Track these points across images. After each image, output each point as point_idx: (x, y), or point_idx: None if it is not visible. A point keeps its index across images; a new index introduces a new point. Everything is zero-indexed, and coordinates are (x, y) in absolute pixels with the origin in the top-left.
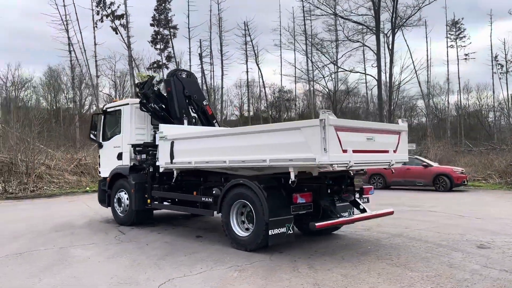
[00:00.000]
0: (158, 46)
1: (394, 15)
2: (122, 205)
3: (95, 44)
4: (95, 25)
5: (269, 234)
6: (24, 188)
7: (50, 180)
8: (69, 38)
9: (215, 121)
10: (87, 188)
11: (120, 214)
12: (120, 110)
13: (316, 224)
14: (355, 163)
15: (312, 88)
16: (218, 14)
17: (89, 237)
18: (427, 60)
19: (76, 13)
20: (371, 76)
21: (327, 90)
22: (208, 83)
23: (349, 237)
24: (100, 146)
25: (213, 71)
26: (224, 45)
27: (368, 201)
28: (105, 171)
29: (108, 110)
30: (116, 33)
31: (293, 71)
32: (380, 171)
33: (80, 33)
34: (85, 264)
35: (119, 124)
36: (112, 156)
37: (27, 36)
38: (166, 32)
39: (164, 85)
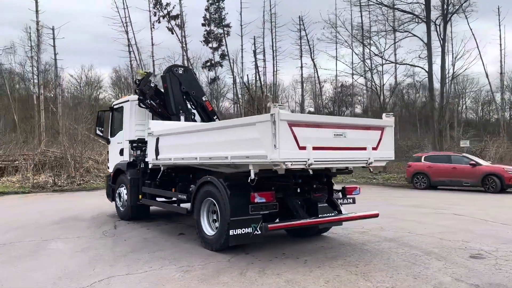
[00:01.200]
0: (210, 45)
1: (446, 1)
2: (121, 200)
3: (152, 45)
4: (152, 26)
5: (230, 234)
6: (72, 181)
7: (97, 174)
8: (128, 39)
9: (215, 116)
10: None
11: (121, 209)
12: (122, 106)
13: (269, 225)
14: (316, 161)
15: (369, 81)
16: (270, 10)
17: (80, 231)
18: (500, 50)
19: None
20: (421, 67)
21: (374, 84)
22: (265, 80)
23: (336, 239)
24: (108, 142)
25: (265, 67)
26: (277, 41)
27: (353, 201)
28: (111, 167)
29: (115, 106)
30: (172, 33)
31: (346, 65)
32: (424, 170)
33: (133, 32)
34: (51, 257)
35: (121, 121)
36: (116, 152)
37: (104, 39)
38: (219, 30)
39: (161, 81)
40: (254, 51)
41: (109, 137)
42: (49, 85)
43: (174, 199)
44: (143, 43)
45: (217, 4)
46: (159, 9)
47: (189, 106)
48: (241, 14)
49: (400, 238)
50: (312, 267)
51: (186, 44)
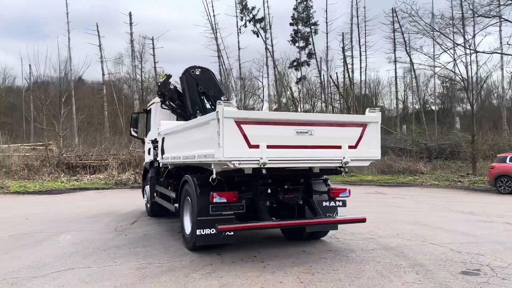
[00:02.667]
0: (297, 44)
1: None
2: (146, 197)
3: (239, 49)
4: (239, 31)
5: (196, 233)
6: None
7: None
8: (217, 45)
9: None
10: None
11: (147, 205)
12: (151, 108)
13: (219, 226)
14: (271, 160)
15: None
16: (357, 4)
17: (99, 225)
18: None
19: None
20: None
21: (461, 77)
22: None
23: (329, 244)
24: (143, 141)
25: (353, 63)
26: (366, 35)
27: (343, 204)
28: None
29: (147, 108)
30: (258, 36)
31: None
32: (509, 172)
33: (221, 38)
34: (46, 248)
35: (150, 122)
36: (147, 151)
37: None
38: (307, 29)
39: (180, 83)
40: (343, 48)
41: (144, 137)
42: (150, 92)
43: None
44: (231, 47)
45: (305, 2)
46: (246, 13)
47: (208, 106)
48: (326, 11)
49: (401, 247)
50: (265, 272)
51: (272, 45)
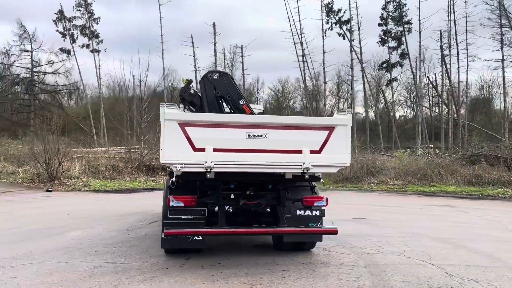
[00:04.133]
0: (387, 45)
1: None
2: None
3: (324, 52)
4: (324, 34)
5: (162, 237)
6: None
7: None
8: (302, 50)
9: None
10: None
11: None
12: None
13: (165, 230)
14: (218, 165)
15: None
16: None
17: (115, 224)
18: None
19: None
20: None
21: None
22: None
23: (307, 257)
24: None
25: (450, 63)
26: (468, 32)
27: (321, 214)
28: None
29: None
30: (344, 39)
31: None
32: None
33: (306, 43)
34: (48, 242)
35: None
36: None
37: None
38: (399, 28)
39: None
40: (441, 47)
41: None
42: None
43: None
44: (315, 52)
45: (397, 0)
46: (332, 16)
47: (227, 109)
48: (419, 8)
49: (389, 265)
50: (207, 280)
51: (361, 47)
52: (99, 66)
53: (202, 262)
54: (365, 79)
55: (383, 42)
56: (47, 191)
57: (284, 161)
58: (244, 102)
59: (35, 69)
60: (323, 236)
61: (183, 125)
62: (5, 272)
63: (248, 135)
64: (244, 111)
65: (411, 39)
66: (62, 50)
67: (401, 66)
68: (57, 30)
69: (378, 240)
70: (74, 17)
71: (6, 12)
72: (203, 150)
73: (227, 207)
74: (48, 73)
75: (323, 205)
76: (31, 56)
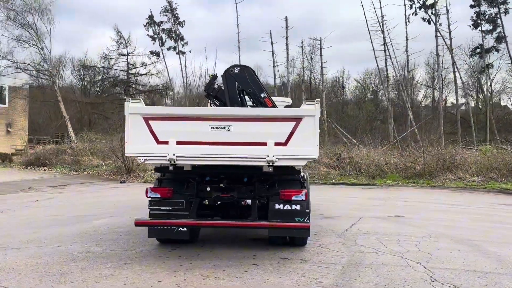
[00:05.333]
0: (480, 28)
1: None
2: None
3: (407, 39)
4: (407, 20)
5: (149, 226)
6: None
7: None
8: (384, 38)
9: None
10: (333, 180)
11: None
12: None
13: (136, 220)
14: (180, 157)
15: None
16: None
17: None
18: None
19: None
20: None
21: None
22: None
23: (287, 252)
24: None
25: None
26: None
27: (303, 208)
28: None
29: None
30: (429, 23)
31: None
32: None
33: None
34: (67, 228)
35: None
36: None
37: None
38: (494, 10)
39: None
40: None
41: None
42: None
43: None
44: (397, 39)
45: None
46: (415, 0)
47: (250, 103)
48: None
49: (367, 265)
50: (169, 270)
51: (450, 31)
52: (185, 66)
53: (183, 253)
54: (455, 66)
55: (475, 25)
56: (120, 182)
57: (248, 154)
58: (266, 95)
59: (130, 71)
60: (332, 232)
61: (147, 118)
62: (7, 252)
63: (211, 128)
64: (265, 104)
65: (507, 21)
66: (152, 52)
67: (497, 51)
68: (147, 34)
69: (390, 239)
70: (162, 22)
71: (103, 19)
72: (166, 143)
73: (204, 199)
74: (141, 74)
75: (302, 199)
76: (127, 60)
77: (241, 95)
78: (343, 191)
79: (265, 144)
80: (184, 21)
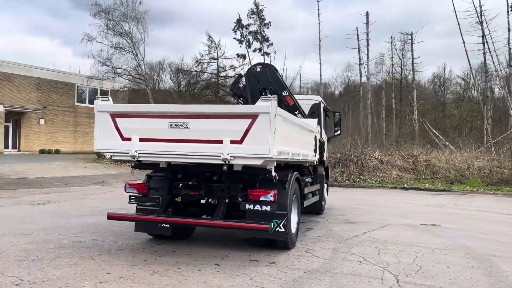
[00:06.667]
0: None
1: None
2: None
3: (509, 30)
4: (509, 9)
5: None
6: (349, 178)
7: (376, 174)
8: (482, 30)
9: (297, 111)
10: (405, 184)
11: None
12: None
13: (108, 213)
14: (142, 154)
15: None
16: None
17: None
18: None
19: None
20: None
21: None
22: None
23: (265, 254)
24: None
25: None
26: None
27: (274, 209)
28: None
29: None
30: None
31: None
32: None
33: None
34: (87, 219)
35: None
36: None
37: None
38: None
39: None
40: None
41: None
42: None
43: None
44: (498, 31)
45: None
46: None
47: None
48: None
49: (337, 274)
50: (136, 264)
51: None
52: None
53: (162, 248)
54: None
55: None
56: None
57: (204, 152)
58: (287, 93)
59: (220, 74)
60: (337, 238)
61: (114, 116)
62: (12, 238)
63: (170, 125)
64: (286, 102)
65: None
66: (238, 55)
67: None
68: (235, 38)
69: (393, 249)
70: (249, 25)
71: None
72: (129, 139)
73: (176, 196)
74: (230, 76)
75: (271, 200)
76: (217, 63)
77: (263, 94)
78: (405, 196)
79: (221, 142)
80: (270, 22)
